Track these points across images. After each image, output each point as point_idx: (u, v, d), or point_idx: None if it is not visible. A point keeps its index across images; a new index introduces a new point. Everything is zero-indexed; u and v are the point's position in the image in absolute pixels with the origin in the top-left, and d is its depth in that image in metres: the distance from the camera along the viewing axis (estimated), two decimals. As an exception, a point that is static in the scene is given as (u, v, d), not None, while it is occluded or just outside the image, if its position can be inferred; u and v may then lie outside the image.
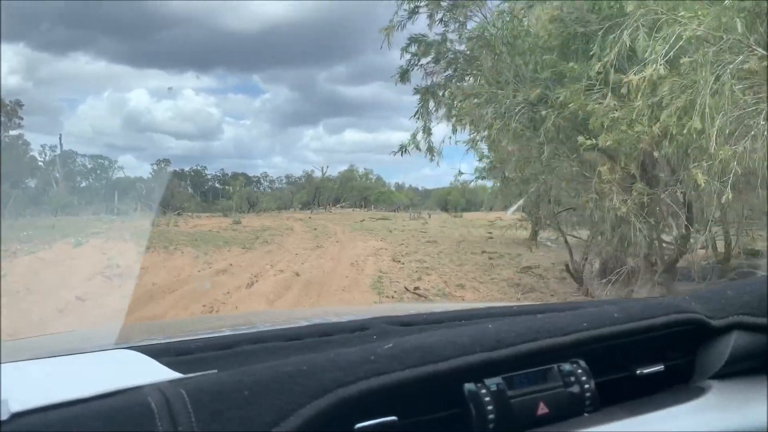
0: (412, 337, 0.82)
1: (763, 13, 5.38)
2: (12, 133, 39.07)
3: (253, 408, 0.65)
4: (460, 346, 0.79)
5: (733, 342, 0.93)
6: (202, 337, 1.10)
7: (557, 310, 1.03)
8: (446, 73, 9.04)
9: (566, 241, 11.37)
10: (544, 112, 7.23)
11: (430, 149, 9.55)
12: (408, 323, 1.15)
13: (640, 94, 5.79)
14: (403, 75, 9.20)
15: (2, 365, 0.73)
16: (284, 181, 67.72)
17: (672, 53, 5.54)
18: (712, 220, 7.05)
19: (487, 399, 0.78)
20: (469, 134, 9.70)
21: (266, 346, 0.99)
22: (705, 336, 0.95)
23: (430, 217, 42.45)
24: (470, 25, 8.74)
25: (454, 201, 60.26)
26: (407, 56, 8.99)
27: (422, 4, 8.78)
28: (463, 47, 9.00)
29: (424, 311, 1.37)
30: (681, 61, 5.60)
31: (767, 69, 5.19)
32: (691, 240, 7.58)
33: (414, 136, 9.47)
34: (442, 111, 9.33)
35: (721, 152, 5.26)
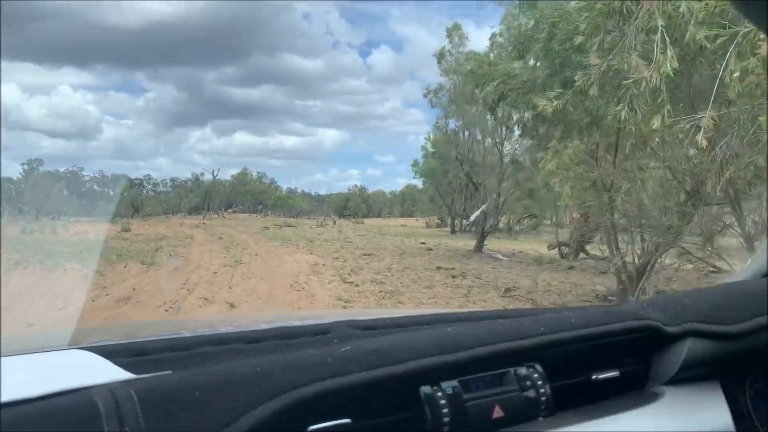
0: (371, 340, 0.81)
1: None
2: None
3: (204, 408, 0.63)
4: (417, 349, 0.77)
5: (687, 348, 0.93)
6: (161, 338, 1.06)
7: (521, 316, 0.97)
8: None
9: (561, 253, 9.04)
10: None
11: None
12: (370, 327, 1.10)
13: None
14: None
15: None
16: (169, 184, 62.62)
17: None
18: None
19: (443, 402, 0.76)
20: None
21: (226, 348, 0.96)
22: (660, 342, 0.95)
23: (335, 223, 40.09)
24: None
25: (354, 207, 58.00)
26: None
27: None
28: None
29: (388, 315, 1.28)
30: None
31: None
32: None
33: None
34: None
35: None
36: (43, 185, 39.36)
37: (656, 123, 4.99)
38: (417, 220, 45.42)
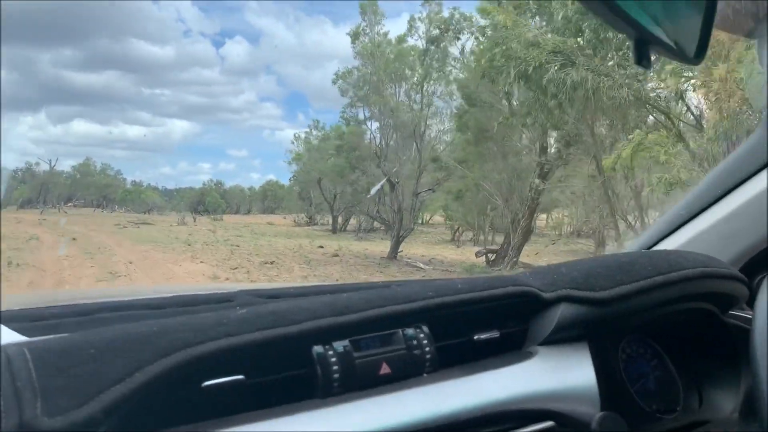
0: (269, 304, 0.84)
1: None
2: None
3: (98, 365, 0.64)
4: (312, 311, 0.81)
5: (560, 313, 0.98)
6: (60, 305, 1.05)
7: (403, 285, 0.99)
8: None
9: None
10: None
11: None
12: (274, 296, 1.12)
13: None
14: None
15: None
16: (-7, 174, 54.63)
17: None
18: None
19: (333, 360, 0.79)
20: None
21: (126, 314, 0.96)
22: (537, 307, 1.00)
23: (195, 221, 36.42)
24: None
25: (213, 203, 53.92)
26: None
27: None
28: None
29: (292, 286, 1.31)
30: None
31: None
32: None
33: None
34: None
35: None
36: None
37: None
38: (284, 217, 42.55)
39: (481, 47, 8.43)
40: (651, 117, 8.84)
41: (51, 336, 0.71)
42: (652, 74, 7.76)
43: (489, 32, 10.79)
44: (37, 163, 56.36)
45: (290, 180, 43.93)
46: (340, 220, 30.01)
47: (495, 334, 0.96)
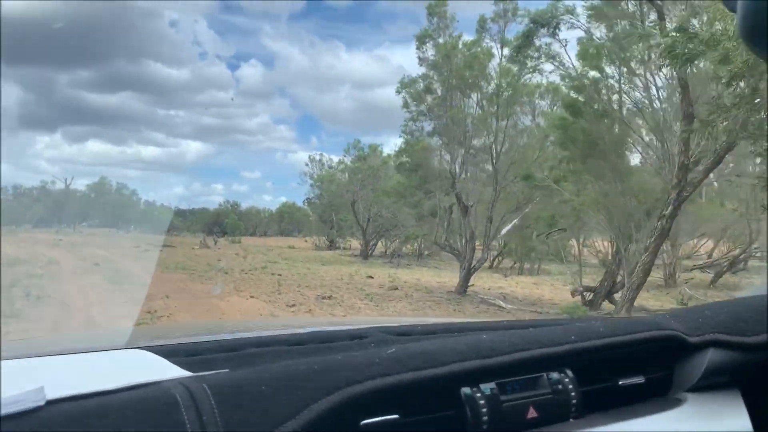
0: (414, 344, 0.84)
1: None
2: None
3: (270, 402, 0.66)
4: (459, 352, 0.80)
5: (708, 358, 0.95)
6: (208, 339, 1.12)
7: (546, 325, 1.03)
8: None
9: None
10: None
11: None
12: (404, 333, 1.14)
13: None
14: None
15: (25, 360, 0.80)
16: (11, 192, 52.85)
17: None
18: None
19: (482, 402, 0.79)
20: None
21: (271, 350, 0.99)
22: (683, 352, 0.97)
23: (216, 243, 34.41)
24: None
25: (232, 224, 51.82)
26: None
27: None
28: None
29: (417, 323, 1.34)
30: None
31: None
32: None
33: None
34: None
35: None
36: None
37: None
38: (306, 240, 40.39)
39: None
40: None
41: (216, 372, 0.75)
42: None
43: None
44: (53, 182, 54.54)
45: (304, 202, 42.11)
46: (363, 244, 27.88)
47: (640, 379, 0.94)
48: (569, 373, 0.87)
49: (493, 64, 12.88)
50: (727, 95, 6.83)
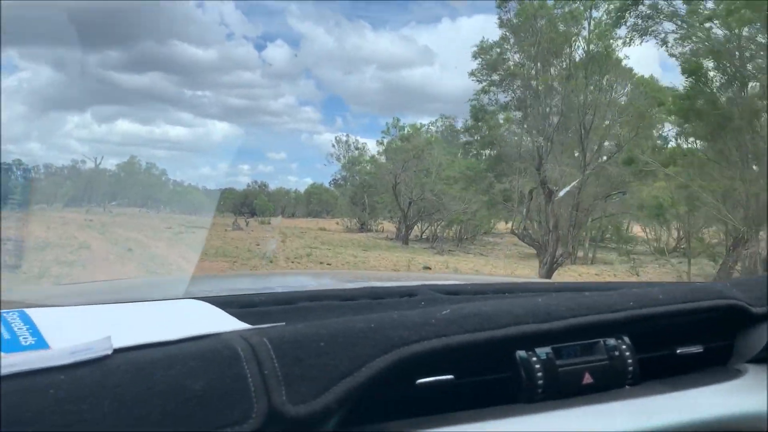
0: (469, 305, 0.84)
1: None
2: None
3: (329, 357, 0.66)
4: (515, 316, 0.80)
5: None
6: (263, 292, 1.12)
7: (600, 289, 1.01)
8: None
9: None
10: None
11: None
12: (453, 292, 1.13)
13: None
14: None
15: (84, 307, 0.79)
16: (42, 171, 51.97)
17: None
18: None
19: (537, 366, 0.79)
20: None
21: (323, 304, 1.00)
22: (745, 322, 0.94)
23: (248, 224, 33.01)
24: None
25: (261, 205, 50.43)
26: None
27: None
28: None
29: (466, 282, 1.33)
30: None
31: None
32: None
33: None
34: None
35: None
36: None
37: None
38: (337, 223, 38.83)
39: None
40: None
41: (275, 325, 0.74)
42: None
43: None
44: (83, 161, 53.52)
45: (331, 183, 40.98)
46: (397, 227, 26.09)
47: (698, 348, 0.93)
48: (626, 339, 0.85)
49: (587, 26, 10.88)
50: None
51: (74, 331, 0.66)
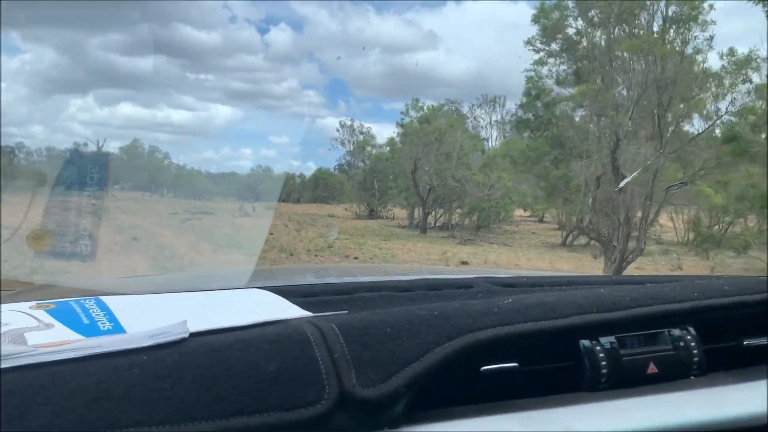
0: (531, 295, 0.84)
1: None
2: None
3: (396, 343, 0.67)
4: (578, 305, 0.79)
5: None
6: (322, 282, 1.15)
7: (663, 281, 0.97)
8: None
9: None
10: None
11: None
12: (509, 285, 1.13)
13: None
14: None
15: (157, 295, 0.82)
16: (45, 154, 50.19)
17: None
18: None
19: (601, 355, 0.78)
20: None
21: (381, 294, 1.00)
22: None
23: (254, 210, 31.45)
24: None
25: (268, 191, 48.81)
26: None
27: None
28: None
29: (522, 275, 1.33)
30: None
31: None
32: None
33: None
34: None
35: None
36: None
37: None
38: (346, 209, 37.15)
39: None
40: None
41: (340, 313, 0.75)
42: None
43: None
44: (85, 144, 51.82)
45: (335, 168, 39.37)
46: (413, 215, 24.41)
47: (764, 340, 0.88)
48: (691, 330, 0.83)
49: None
50: None
51: (148, 318, 0.68)
